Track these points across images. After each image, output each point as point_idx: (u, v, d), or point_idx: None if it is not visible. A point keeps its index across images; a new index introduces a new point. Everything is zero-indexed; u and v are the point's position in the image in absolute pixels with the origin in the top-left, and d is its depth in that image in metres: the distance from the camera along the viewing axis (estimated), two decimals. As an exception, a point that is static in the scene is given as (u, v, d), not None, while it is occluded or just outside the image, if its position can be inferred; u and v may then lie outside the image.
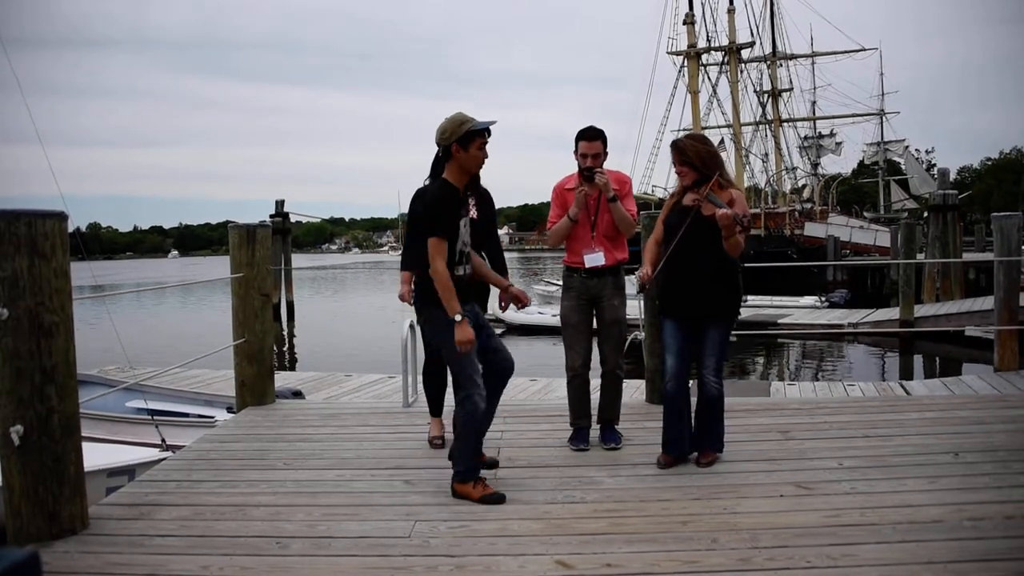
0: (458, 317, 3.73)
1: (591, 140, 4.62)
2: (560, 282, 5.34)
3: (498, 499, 3.77)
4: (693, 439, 4.36)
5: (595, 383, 4.88)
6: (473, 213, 4.62)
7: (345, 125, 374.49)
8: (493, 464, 4.26)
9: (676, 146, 4.30)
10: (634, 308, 5.38)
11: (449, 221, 3.79)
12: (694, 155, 4.22)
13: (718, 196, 4.12)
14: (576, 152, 4.66)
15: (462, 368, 3.84)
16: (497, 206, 5.06)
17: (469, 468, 3.87)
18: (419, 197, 4.69)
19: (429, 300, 3.85)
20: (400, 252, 4.92)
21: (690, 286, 4.22)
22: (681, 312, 4.29)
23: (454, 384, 3.96)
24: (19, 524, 3.31)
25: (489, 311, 4.27)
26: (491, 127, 3.85)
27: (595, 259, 4.72)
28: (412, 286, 4.74)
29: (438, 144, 3.85)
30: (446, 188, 3.83)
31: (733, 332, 4.42)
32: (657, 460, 4.32)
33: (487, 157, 3.89)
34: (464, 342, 3.75)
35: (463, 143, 3.78)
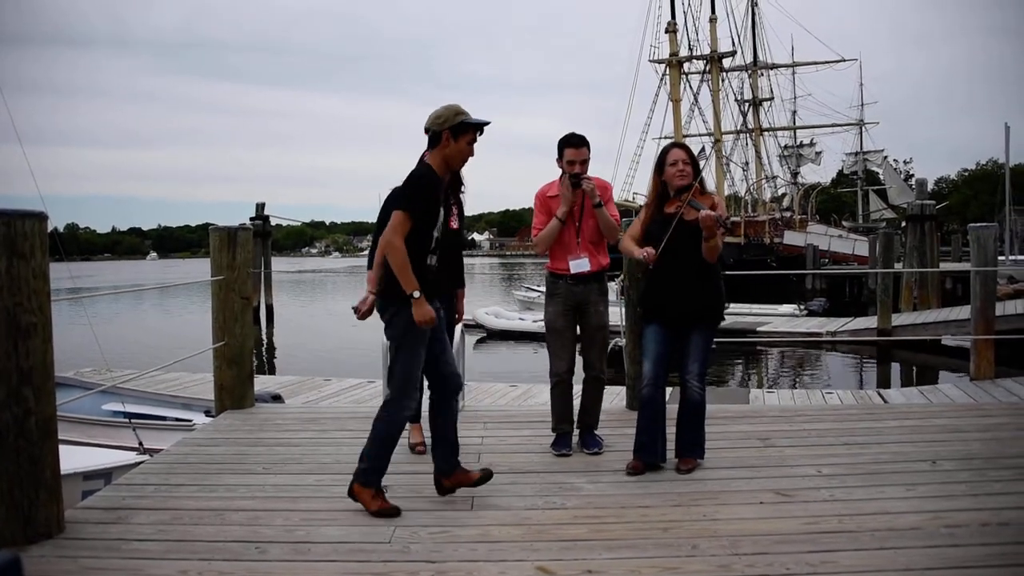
0: (416, 294, 3.56)
1: (578, 147, 4.64)
2: (540, 288, 5.35)
3: (392, 513, 3.62)
4: (676, 445, 4.38)
5: (576, 388, 4.89)
6: (455, 223, 4.59)
7: (330, 127, 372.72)
8: (487, 476, 3.87)
9: (683, 146, 4.53)
10: (615, 315, 5.39)
11: (426, 203, 3.63)
12: (693, 159, 4.43)
13: (700, 202, 4.22)
14: (560, 159, 4.67)
15: (405, 371, 3.70)
16: (478, 212, 5.20)
17: (372, 469, 3.71)
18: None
19: (398, 295, 3.63)
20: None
21: (675, 290, 4.27)
22: (666, 315, 4.32)
23: (389, 383, 3.81)
24: (-7, 528, 3.26)
25: (468, 317, 4.24)
26: (484, 127, 3.77)
27: (580, 265, 4.74)
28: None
29: (428, 129, 3.72)
30: (432, 173, 3.69)
31: (713, 340, 4.45)
32: (626, 466, 4.32)
33: (472, 155, 3.81)
34: (424, 320, 3.57)
35: (455, 133, 3.68)
